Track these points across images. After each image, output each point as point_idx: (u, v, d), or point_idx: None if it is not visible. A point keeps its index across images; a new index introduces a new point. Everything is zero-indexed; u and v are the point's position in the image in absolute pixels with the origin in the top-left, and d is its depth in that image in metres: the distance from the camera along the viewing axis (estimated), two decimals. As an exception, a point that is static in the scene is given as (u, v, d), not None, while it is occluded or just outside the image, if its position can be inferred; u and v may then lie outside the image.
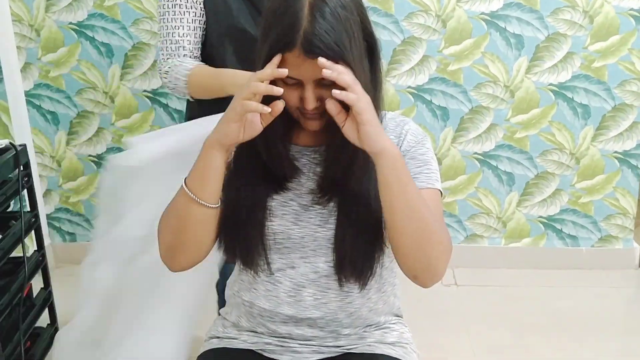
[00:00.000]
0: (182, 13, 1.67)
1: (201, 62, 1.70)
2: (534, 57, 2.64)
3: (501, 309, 2.59)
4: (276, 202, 1.20)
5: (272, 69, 1.04)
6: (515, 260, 2.89)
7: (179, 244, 1.17)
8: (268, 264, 1.22)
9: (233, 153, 1.22)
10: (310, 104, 1.08)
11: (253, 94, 1.05)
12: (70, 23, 2.66)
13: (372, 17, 1.13)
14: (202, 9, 1.69)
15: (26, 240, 1.92)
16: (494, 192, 2.84)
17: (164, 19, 1.68)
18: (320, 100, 1.09)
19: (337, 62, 1.02)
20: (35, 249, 2.07)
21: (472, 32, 2.62)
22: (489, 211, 2.87)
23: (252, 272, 1.24)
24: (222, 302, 1.95)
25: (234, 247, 1.21)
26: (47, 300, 2.09)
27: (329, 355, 1.27)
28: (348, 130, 1.06)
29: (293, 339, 1.26)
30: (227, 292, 1.37)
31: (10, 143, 1.90)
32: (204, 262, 1.23)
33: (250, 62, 1.58)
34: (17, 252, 1.89)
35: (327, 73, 1.00)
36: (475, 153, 2.79)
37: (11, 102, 2.67)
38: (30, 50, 2.70)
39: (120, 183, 1.47)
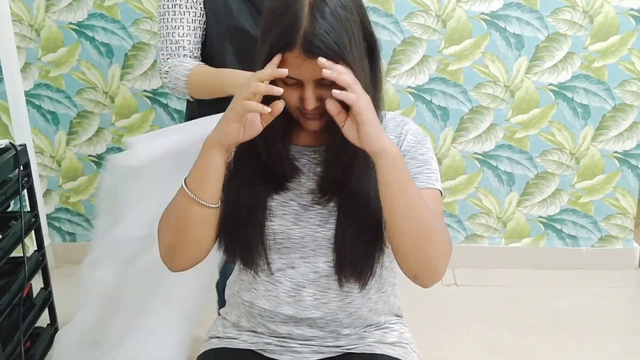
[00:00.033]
0: (182, 13, 1.67)
1: (201, 62, 1.70)
2: (534, 57, 2.64)
3: (501, 309, 2.59)
4: (276, 202, 1.20)
5: (272, 69, 1.04)
6: (515, 260, 2.89)
7: (179, 244, 1.17)
8: (268, 264, 1.22)
9: (233, 153, 1.22)
10: (310, 104, 1.08)
11: (253, 94, 1.05)
12: (70, 23, 2.66)
13: (372, 17, 1.13)
14: (202, 9, 1.69)
15: (26, 240, 1.92)
16: (494, 192, 2.84)
17: (164, 18, 1.68)
18: (320, 100, 1.09)
19: (337, 62, 1.02)
20: (35, 249, 2.07)
21: (472, 32, 2.62)
22: (489, 211, 2.87)
23: (252, 272, 1.24)
24: (222, 302, 1.95)
25: (234, 247, 1.21)
26: (47, 300, 2.09)
27: (329, 355, 1.27)
28: (348, 130, 1.06)
29: (293, 339, 1.26)
30: (227, 292, 1.37)
31: (10, 143, 1.90)
32: (204, 262, 1.23)
33: (250, 62, 1.58)
34: (17, 252, 1.89)
35: (327, 73, 1.00)
36: (475, 153, 2.79)
37: (11, 102, 2.67)
38: (30, 50, 2.70)
39: (120, 183, 1.47)
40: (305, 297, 1.22)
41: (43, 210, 2.88)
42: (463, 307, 2.60)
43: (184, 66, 1.65)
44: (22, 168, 1.90)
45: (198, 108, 1.77)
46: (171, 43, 1.68)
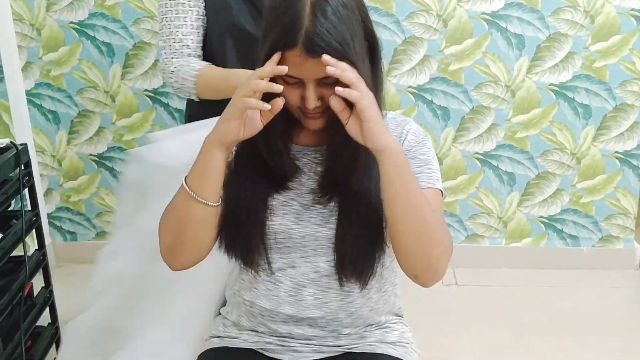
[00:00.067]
0: (185, 12, 1.67)
1: (208, 63, 1.69)
2: (535, 57, 2.64)
3: (502, 309, 2.59)
4: (277, 202, 1.20)
5: (271, 67, 1.04)
6: (516, 260, 2.89)
7: (179, 243, 1.17)
8: (269, 263, 1.22)
9: (234, 152, 1.22)
10: (312, 103, 1.08)
11: (253, 91, 1.05)
12: (71, 22, 2.66)
13: (373, 17, 1.13)
14: (204, 8, 1.69)
15: (27, 240, 1.92)
16: (494, 192, 2.84)
17: (166, 17, 1.67)
18: (322, 99, 1.09)
19: (340, 61, 1.02)
20: (36, 248, 2.07)
21: (473, 31, 2.62)
22: (490, 211, 2.87)
23: (252, 271, 1.24)
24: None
25: (234, 246, 1.21)
26: (47, 299, 2.09)
27: (330, 355, 1.27)
28: (351, 128, 1.06)
29: (294, 338, 1.26)
30: (228, 291, 1.37)
31: (11, 142, 1.90)
32: (222, 257, 1.23)
33: (250, 62, 1.58)
34: (18, 252, 1.89)
35: (330, 70, 1.01)
36: (476, 153, 2.79)
37: (12, 102, 2.67)
38: (31, 50, 2.70)
39: (143, 175, 1.48)
40: (306, 296, 1.22)
41: (44, 209, 2.89)
42: (464, 307, 2.60)
43: (192, 66, 1.65)
44: (23, 167, 1.90)
45: (198, 106, 1.77)
46: (174, 42, 1.67)
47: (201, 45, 1.72)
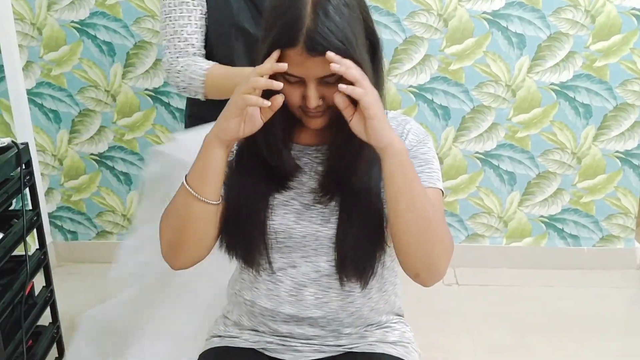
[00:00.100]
0: (190, 11, 1.67)
1: (214, 62, 1.69)
2: (535, 56, 2.64)
3: (502, 309, 2.59)
4: (278, 201, 1.20)
5: (271, 64, 1.04)
6: (516, 259, 2.89)
7: (180, 242, 1.17)
8: (270, 263, 1.22)
9: (235, 152, 1.22)
10: (313, 102, 1.08)
11: (253, 89, 1.05)
12: (72, 21, 2.66)
13: (374, 16, 1.13)
14: (205, 7, 1.69)
15: (28, 239, 1.92)
16: (495, 191, 2.84)
17: (170, 16, 1.67)
18: (323, 98, 1.09)
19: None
20: (37, 247, 2.07)
21: (473, 31, 2.62)
22: (490, 211, 2.87)
23: (253, 271, 1.24)
24: None
25: (235, 246, 1.21)
26: (48, 298, 2.09)
27: (330, 354, 1.27)
28: (355, 125, 1.06)
29: (294, 338, 1.26)
30: (229, 290, 1.37)
31: (12, 141, 1.90)
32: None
33: (251, 62, 1.58)
34: (18, 251, 1.89)
35: (335, 67, 1.01)
36: (477, 152, 2.79)
37: (13, 101, 2.67)
38: (32, 49, 2.70)
39: (166, 171, 1.48)
40: (307, 296, 1.22)
41: (45, 208, 2.89)
42: (464, 307, 2.60)
43: (199, 65, 1.65)
44: (23, 166, 1.90)
45: (198, 105, 1.77)
46: (180, 41, 1.67)
47: (204, 44, 1.72)
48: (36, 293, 2.04)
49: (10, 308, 1.82)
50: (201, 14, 1.69)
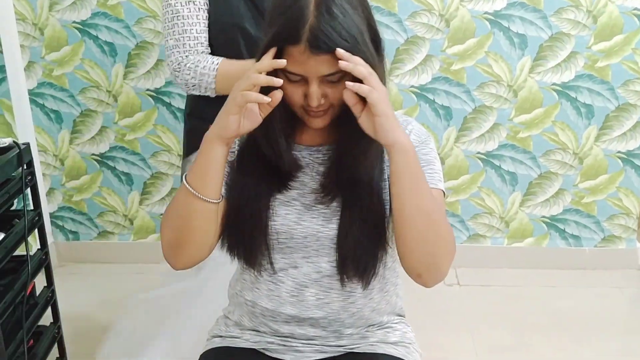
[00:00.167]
0: (197, 10, 1.68)
1: (223, 57, 1.69)
2: (537, 56, 2.64)
3: (503, 309, 2.58)
4: (279, 202, 1.20)
5: (270, 60, 1.04)
6: (517, 260, 2.88)
7: (181, 241, 1.17)
8: (271, 263, 1.22)
9: (236, 152, 1.22)
10: (315, 100, 1.08)
11: (253, 85, 1.05)
12: (74, 22, 2.66)
13: (376, 16, 1.13)
14: (208, 6, 1.70)
15: (29, 239, 1.92)
16: (496, 191, 2.84)
17: (179, 15, 1.67)
18: (325, 97, 1.09)
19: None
20: (38, 247, 2.07)
21: (475, 31, 2.62)
22: (492, 211, 2.87)
23: (254, 271, 1.24)
24: None
25: (237, 246, 1.21)
26: (49, 299, 2.09)
27: (332, 355, 1.27)
28: (364, 122, 1.06)
29: (295, 338, 1.26)
30: (230, 291, 1.37)
31: (14, 141, 1.90)
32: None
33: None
34: (20, 251, 1.89)
35: (343, 64, 1.01)
36: (478, 153, 2.78)
37: (15, 101, 2.67)
38: (33, 49, 2.70)
39: None
40: (308, 297, 1.22)
41: (46, 209, 2.89)
42: (465, 307, 2.60)
43: (210, 61, 1.65)
44: (25, 167, 1.90)
45: (198, 103, 1.78)
46: (189, 39, 1.67)
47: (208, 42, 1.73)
48: (37, 293, 2.04)
49: (11, 308, 1.82)
50: (205, 13, 1.69)
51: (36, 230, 2.03)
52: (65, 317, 2.19)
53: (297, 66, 1.05)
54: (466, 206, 2.86)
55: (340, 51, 1.01)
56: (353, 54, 1.02)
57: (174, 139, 2.79)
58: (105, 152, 2.84)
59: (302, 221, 1.20)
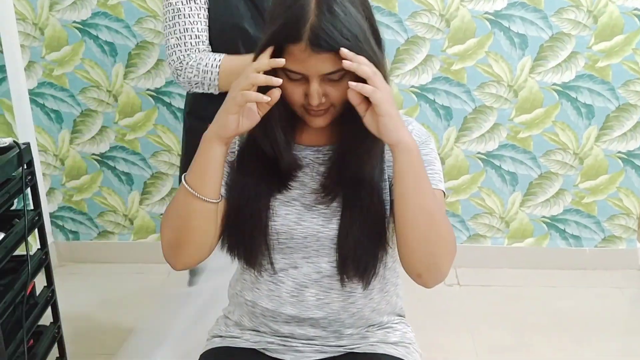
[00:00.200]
0: (198, 8, 1.68)
1: (224, 54, 1.70)
2: (537, 56, 2.64)
3: (503, 309, 2.58)
4: (279, 202, 1.20)
5: (268, 59, 1.04)
6: (518, 260, 2.88)
7: (180, 241, 1.17)
8: (272, 263, 1.22)
9: (237, 153, 1.22)
10: (316, 99, 1.07)
11: (252, 85, 1.05)
12: (74, 22, 2.66)
13: (376, 17, 1.13)
14: (208, 5, 1.70)
15: (29, 239, 1.92)
16: (497, 192, 2.84)
17: (180, 14, 1.67)
18: (326, 95, 1.09)
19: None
20: (38, 247, 2.07)
21: (475, 31, 2.62)
22: (492, 211, 2.87)
23: (255, 272, 1.23)
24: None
25: (237, 246, 1.21)
26: (49, 298, 2.09)
27: (332, 355, 1.27)
28: (368, 121, 1.07)
29: (295, 338, 1.26)
30: (230, 291, 1.37)
31: (14, 141, 1.90)
32: None
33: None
34: (20, 251, 1.89)
35: (347, 64, 1.01)
36: (479, 153, 2.78)
37: (15, 101, 2.67)
38: (34, 49, 2.70)
39: None
40: (308, 297, 1.22)
41: (46, 208, 2.89)
42: (465, 307, 2.60)
43: (212, 57, 1.65)
44: (25, 166, 1.90)
45: (197, 102, 1.78)
46: (191, 38, 1.67)
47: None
48: (37, 293, 2.04)
49: (11, 308, 1.82)
50: (205, 12, 1.69)
51: (36, 230, 2.03)
52: (65, 317, 2.19)
53: (297, 64, 1.05)
54: (466, 206, 2.86)
55: (344, 51, 1.01)
56: (355, 53, 1.02)
57: (174, 139, 2.79)
58: (106, 152, 2.84)
59: (302, 221, 1.20)
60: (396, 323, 1.34)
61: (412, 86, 2.70)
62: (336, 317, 1.23)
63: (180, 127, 2.70)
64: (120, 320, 2.49)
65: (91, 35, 2.67)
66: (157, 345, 1.86)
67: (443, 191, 1.20)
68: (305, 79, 1.07)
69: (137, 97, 2.75)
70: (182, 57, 1.68)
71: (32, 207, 2.02)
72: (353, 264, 1.18)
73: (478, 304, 2.63)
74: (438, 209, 1.10)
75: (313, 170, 1.21)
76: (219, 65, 1.64)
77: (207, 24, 1.70)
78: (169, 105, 2.75)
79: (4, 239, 1.79)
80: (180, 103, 2.73)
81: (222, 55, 1.66)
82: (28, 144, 1.94)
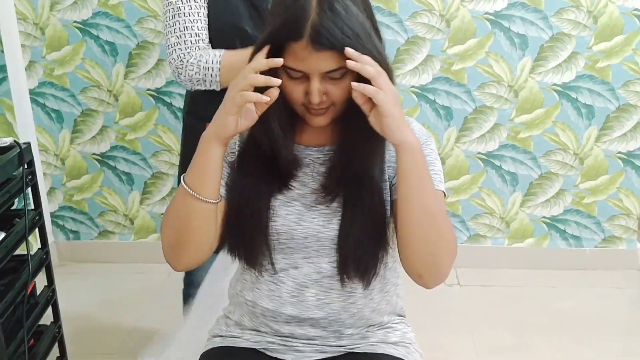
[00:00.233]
0: (198, 7, 1.68)
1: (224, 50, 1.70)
2: (538, 57, 2.64)
3: (504, 309, 2.58)
4: (280, 202, 1.20)
5: (266, 59, 1.04)
6: (518, 260, 2.88)
7: (181, 242, 1.17)
8: (272, 264, 1.22)
9: (237, 153, 1.22)
10: (316, 97, 1.07)
11: (251, 85, 1.05)
12: (75, 21, 2.66)
13: (376, 17, 1.13)
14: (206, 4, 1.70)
15: (30, 238, 1.92)
16: (497, 192, 2.84)
17: (180, 13, 1.67)
18: (326, 94, 1.09)
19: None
20: (39, 247, 2.07)
21: (476, 31, 2.62)
22: (492, 211, 2.87)
23: (255, 272, 1.24)
24: (186, 297, 2.00)
25: (237, 247, 1.21)
26: (50, 298, 2.09)
27: (332, 355, 1.27)
28: (373, 120, 1.07)
29: (296, 338, 1.26)
30: (230, 291, 1.37)
31: (15, 141, 1.90)
32: None
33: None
34: (20, 250, 1.89)
35: (351, 64, 1.01)
36: (479, 153, 2.78)
37: (16, 100, 2.67)
38: (34, 49, 2.70)
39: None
40: (308, 297, 1.22)
41: (47, 208, 2.89)
42: (465, 307, 2.60)
43: (212, 54, 1.66)
44: (26, 166, 1.90)
45: (197, 101, 1.79)
46: (191, 36, 1.67)
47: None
48: (38, 292, 2.04)
49: (12, 307, 1.82)
50: (206, 10, 1.70)
51: (37, 230, 2.03)
52: (66, 316, 2.19)
53: (298, 62, 1.05)
54: (467, 206, 2.86)
55: (349, 50, 1.01)
56: (356, 51, 1.02)
57: (175, 139, 2.79)
58: (106, 151, 2.84)
59: (303, 221, 1.20)
60: (396, 323, 1.34)
61: (413, 86, 2.70)
62: (336, 317, 1.23)
63: (180, 126, 2.71)
64: (121, 320, 2.49)
65: (92, 35, 2.67)
66: (157, 345, 1.86)
67: (443, 192, 1.20)
68: (306, 77, 1.07)
69: (137, 97, 2.75)
70: (182, 56, 1.68)
71: (32, 207, 2.02)
72: (353, 264, 1.18)
73: (478, 304, 2.63)
74: (440, 210, 1.10)
75: (313, 170, 1.21)
76: (220, 62, 1.65)
77: (207, 22, 1.70)
78: (169, 105, 2.75)
79: (4, 238, 1.80)
80: (180, 103, 2.73)
81: (222, 51, 1.67)
82: (29, 144, 1.94)
